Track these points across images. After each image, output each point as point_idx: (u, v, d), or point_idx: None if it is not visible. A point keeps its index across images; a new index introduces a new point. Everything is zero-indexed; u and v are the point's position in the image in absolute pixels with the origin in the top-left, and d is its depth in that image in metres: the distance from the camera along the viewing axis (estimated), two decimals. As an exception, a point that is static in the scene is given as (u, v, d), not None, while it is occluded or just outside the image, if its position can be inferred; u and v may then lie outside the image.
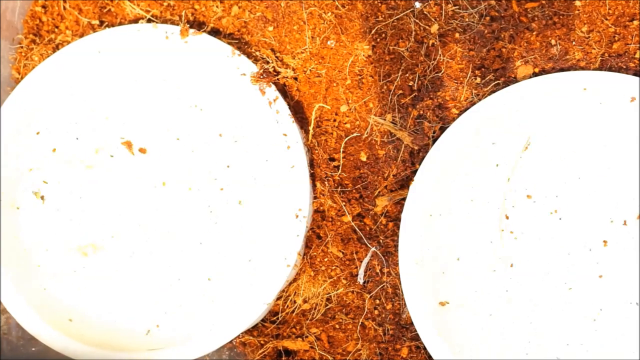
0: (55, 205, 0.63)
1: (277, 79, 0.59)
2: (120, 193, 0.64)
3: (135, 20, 0.65)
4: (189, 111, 0.63)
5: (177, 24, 0.61)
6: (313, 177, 0.61)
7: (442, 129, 0.59)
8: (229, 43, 0.61)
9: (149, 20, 0.64)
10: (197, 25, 0.64)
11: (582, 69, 0.59)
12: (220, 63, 0.59)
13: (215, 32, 0.63)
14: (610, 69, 0.59)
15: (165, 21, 0.64)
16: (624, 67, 0.58)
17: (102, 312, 0.62)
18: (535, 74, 0.59)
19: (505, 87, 0.59)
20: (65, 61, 0.61)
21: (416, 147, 0.60)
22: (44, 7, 0.67)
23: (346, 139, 0.61)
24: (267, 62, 0.61)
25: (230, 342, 0.60)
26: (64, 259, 0.63)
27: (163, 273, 0.63)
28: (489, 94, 0.59)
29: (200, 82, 0.62)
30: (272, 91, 0.58)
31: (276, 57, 0.62)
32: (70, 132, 0.64)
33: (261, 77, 0.58)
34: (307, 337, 0.60)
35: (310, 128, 0.61)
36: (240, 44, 0.63)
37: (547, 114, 0.58)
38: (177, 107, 0.63)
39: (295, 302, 0.60)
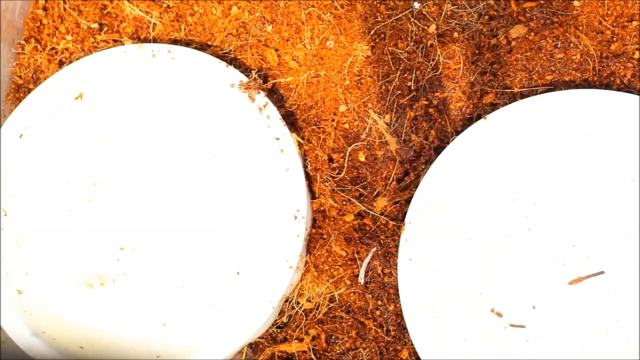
0: (58, 239, 0.64)
1: (266, 86, 0.60)
2: (121, 216, 0.64)
3: (136, 20, 0.65)
4: (181, 125, 0.64)
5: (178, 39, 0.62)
6: (311, 177, 0.61)
7: (438, 131, 0.59)
8: (225, 53, 0.61)
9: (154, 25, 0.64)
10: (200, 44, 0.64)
11: (580, 68, 0.59)
12: (208, 75, 0.60)
13: (207, 46, 0.64)
14: (609, 69, 0.59)
15: (170, 38, 0.64)
16: (622, 67, 0.58)
17: (113, 338, 0.62)
18: (532, 72, 0.59)
19: (504, 88, 0.59)
20: (55, 90, 0.62)
21: (399, 159, 0.60)
22: (44, 8, 0.67)
23: (352, 146, 0.61)
24: (257, 70, 0.61)
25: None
26: (72, 290, 0.63)
27: (169, 290, 0.63)
28: (487, 94, 0.60)
29: (191, 96, 0.63)
30: (262, 97, 0.59)
31: (277, 57, 0.62)
32: (65, 167, 0.64)
33: (250, 85, 0.59)
34: (303, 339, 0.60)
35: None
36: (236, 51, 0.63)
37: (548, 130, 0.57)
38: (169, 123, 0.64)
39: (299, 302, 0.60)
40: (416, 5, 0.61)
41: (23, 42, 0.67)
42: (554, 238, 0.58)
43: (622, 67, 0.58)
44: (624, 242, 0.56)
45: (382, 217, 0.60)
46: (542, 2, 0.60)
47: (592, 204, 0.57)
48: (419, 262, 0.57)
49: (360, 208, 0.60)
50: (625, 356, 0.56)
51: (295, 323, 0.61)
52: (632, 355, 0.55)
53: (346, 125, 0.61)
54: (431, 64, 0.60)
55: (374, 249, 0.60)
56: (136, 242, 0.64)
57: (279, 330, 0.61)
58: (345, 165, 0.61)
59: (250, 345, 0.61)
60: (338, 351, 0.60)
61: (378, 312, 0.60)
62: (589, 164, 0.57)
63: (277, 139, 0.58)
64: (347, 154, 0.61)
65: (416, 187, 0.57)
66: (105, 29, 0.66)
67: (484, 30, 0.60)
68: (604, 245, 0.57)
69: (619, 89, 0.58)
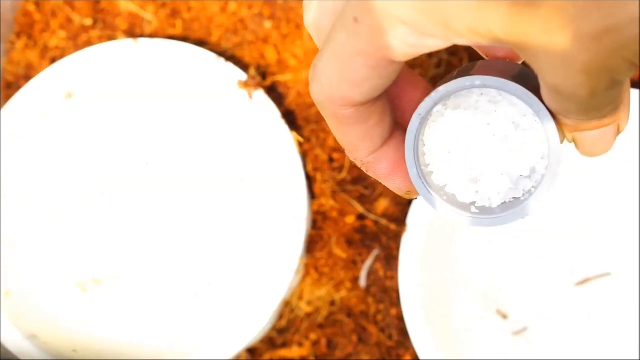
0: (51, 241, 0.63)
1: (265, 83, 0.59)
2: (116, 218, 0.64)
3: (131, 16, 0.64)
4: (178, 123, 0.63)
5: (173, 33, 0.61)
6: (311, 177, 0.60)
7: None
8: (222, 50, 0.60)
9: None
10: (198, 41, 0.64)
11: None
12: (205, 73, 0.60)
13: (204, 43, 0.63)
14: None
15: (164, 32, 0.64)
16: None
17: (106, 342, 0.61)
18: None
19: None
20: (46, 87, 0.61)
21: None
22: (36, 4, 0.66)
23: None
24: (256, 67, 0.60)
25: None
26: (65, 292, 0.62)
27: (166, 292, 0.62)
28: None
29: (187, 94, 0.62)
30: (261, 95, 0.58)
31: (276, 54, 0.62)
32: (59, 167, 0.63)
33: (248, 82, 0.58)
34: (303, 344, 0.60)
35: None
36: (234, 48, 0.62)
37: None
38: (165, 121, 0.63)
39: (299, 306, 0.60)
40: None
41: (14, 38, 0.66)
42: (559, 239, 0.58)
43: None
44: (629, 244, 0.57)
45: (383, 218, 0.59)
46: None
47: (595, 204, 0.57)
48: (421, 264, 0.56)
49: (360, 209, 0.60)
50: (628, 356, 0.56)
51: (295, 327, 0.60)
52: (634, 355, 0.56)
53: (347, 124, 0.61)
54: (434, 62, 0.60)
55: (376, 252, 0.59)
56: (131, 244, 0.63)
57: (278, 335, 0.61)
58: (346, 165, 0.60)
59: (248, 350, 0.61)
60: (339, 356, 0.59)
61: (380, 316, 0.59)
62: (590, 164, 0.57)
63: (277, 137, 0.58)
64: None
65: (418, 188, 0.57)
66: (100, 25, 0.65)
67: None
68: (610, 247, 0.57)
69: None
